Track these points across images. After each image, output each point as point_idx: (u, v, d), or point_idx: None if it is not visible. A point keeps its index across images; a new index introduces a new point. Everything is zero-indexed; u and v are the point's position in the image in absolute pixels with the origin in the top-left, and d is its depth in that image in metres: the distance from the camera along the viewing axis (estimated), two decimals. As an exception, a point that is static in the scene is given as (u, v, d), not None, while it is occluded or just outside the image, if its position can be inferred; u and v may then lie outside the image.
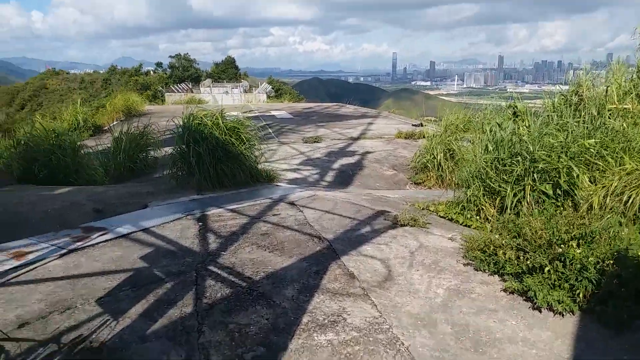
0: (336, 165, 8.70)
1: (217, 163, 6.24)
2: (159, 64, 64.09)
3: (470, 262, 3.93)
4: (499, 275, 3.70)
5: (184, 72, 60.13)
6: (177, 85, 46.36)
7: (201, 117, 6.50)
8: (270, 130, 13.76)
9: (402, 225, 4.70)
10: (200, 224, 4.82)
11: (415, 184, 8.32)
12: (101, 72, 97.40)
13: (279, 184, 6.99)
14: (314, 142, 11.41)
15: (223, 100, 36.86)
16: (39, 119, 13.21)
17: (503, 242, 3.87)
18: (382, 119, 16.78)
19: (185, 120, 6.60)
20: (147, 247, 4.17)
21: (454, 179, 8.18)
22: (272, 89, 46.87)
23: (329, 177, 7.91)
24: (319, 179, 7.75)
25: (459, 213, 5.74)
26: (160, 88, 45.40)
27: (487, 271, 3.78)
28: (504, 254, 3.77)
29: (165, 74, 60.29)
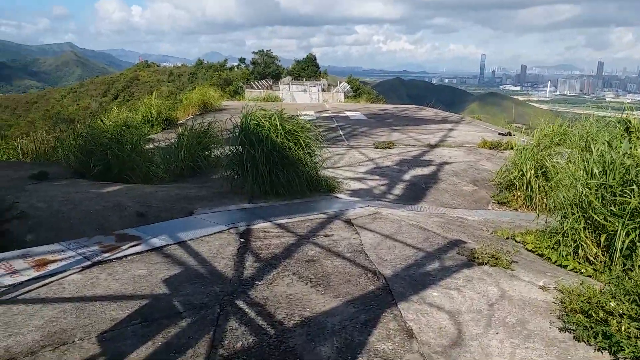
0: (407, 176, 7.83)
1: (272, 169, 5.66)
2: (242, 60, 65.96)
3: (569, 327, 2.98)
4: (610, 354, 2.73)
5: (266, 69, 61.32)
6: (258, 82, 47.12)
7: (258, 118, 5.94)
8: (340, 133, 13.10)
9: (480, 264, 3.81)
10: (241, 240, 4.23)
11: (498, 203, 7.25)
12: (189, 65, 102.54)
13: (339, 195, 6.27)
14: (386, 147, 10.57)
15: (300, 98, 36.82)
16: (116, 110, 13.57)
17: (617, 306, 2.90)
18: (465, 125, 15.51)
19: (242, 120, 6.08)
20: (176, 266, 3.64)
21: (545, 201, 7.06)
22: (351, 88, 46.23)
23: (398, 189, 7.07)
24: (386, 191, 6.94)
25: (551, 248, 4.72)
26: (241, 84, 46.40)
27: (592, 344, 2.83)
28: (619, 324, 2.80)
29: (248, 69, 61.85)
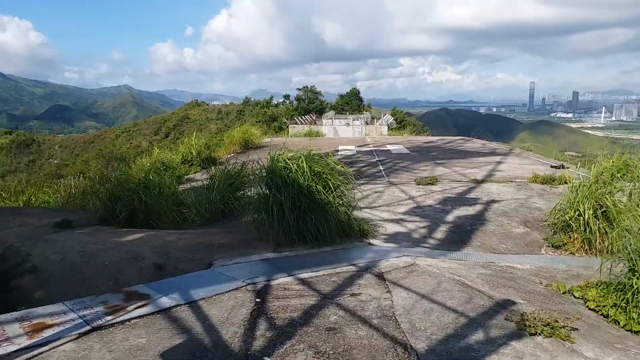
0: (450, 217, 7.20)
1: (299, 214, 5.25)
2: (286, 97, 67.33)
3: None
4: None
5: (310, 104, 62.21)
6: (301, 117, 47.71)
7: (285, 160, 5.59)
8: (380, 168, 12.60)
9: (532, 334, 3.17)
10: (257, 300, 3.79)
11: (553, 247, 6.48)
12: (236, 103, 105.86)
13: (373, 241, 5.75)
14: (428, 184, 9.97)
15: (342, 132, 36.73)
16: (157, 151, 13.73)
17: None
18: (514, 157, 14.64)
19: (269, 163, 5.76)
20: (179, 334, 3.24)
21: (607, 244, 6.26)
22: (395, 120, 45.87)
23: (440, 232, 6.46)
24: (426, 234, 6.35)
25: (618, 307, 3.99)
26: (285, 120, 47.06)
27: None
28: None
29: (292, 105, 62.97)
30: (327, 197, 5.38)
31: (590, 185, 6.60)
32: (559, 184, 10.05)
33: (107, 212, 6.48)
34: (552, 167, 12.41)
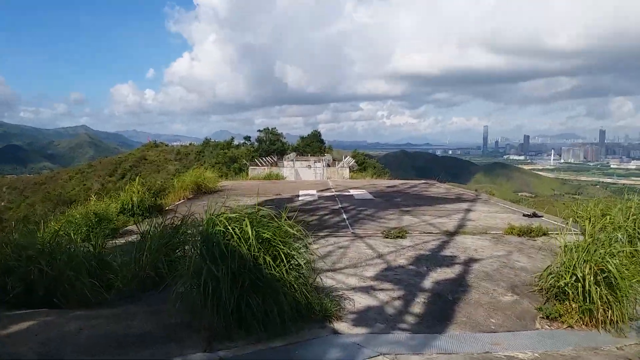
0: (428, 283, 6.11)
1: (241, 295, 4.01)
2: (247, 138, 66.36)
3: None
4: None
5: (271, 146, 61.35)
6: (262, 159, 46.56)
7: (225, 223, 4.36)
8: (344, 216, 11.52)
9: None
10: None
11: (548, 318, 5.46)
12: (196, 144, 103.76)
13: (338, 325, 4.55)
14: (397, 237, 8.93)
15: (304, 174, 35.79)
16: (94, 199, 12.17)
17: None
18: (482, 204, 13.91)
19: (205, 226, 4.51)
20: None
21: (610, 315, 5.34)
22: (356, 162, 45.42)
23: (418, 305, 5.33)
24: (403, 309, 5.20)
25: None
26: (245, 161, 45.80)
27: None
28: None
29: (253, 147, 61.93)
30: (279, 272, 4.16)
31: (588, 245, 5.70)
32: (537, 235, 9.26)
33: (-2, 288, 4.99)
34: (524, 215, 11.69)
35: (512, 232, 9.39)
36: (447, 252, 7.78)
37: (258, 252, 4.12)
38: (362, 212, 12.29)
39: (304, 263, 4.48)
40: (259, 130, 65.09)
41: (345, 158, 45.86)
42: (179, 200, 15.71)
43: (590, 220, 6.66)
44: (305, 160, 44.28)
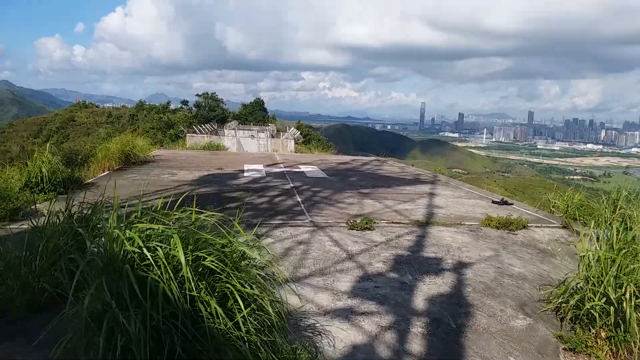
0: (420, 302, 4.79)
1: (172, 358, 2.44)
2: (184, 102, 62.52)
3: None
4: None
5: (210, 112, 58.10)
6: (202, 126, 43.66)
7: (141, 240, 2.68)
8: (298, 199, 10.04)
9: None
10: None
11: (571, 350, 4.34)
12: (130, 107, 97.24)
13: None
14: (365, 228, 7.60)
15: (247, 145, 33.74)
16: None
17: None
18: (444, 187, 12.90)
19: (108, 242, 2.80)
20: None
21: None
22: (301, 134, 43.79)
23: (417, 341, 4.00)
24: (399, 347, 3.84)
25: None
26: (182, 128, 42.77)
27: None
28: None
29: (191, 112, 58.36)
30: (231, 326, 2.57)
31: (619, 254, 4.58)
32: (517, 228, 8.26)
33: None
34: (493, 202, 10.76)
35: (489, 224, 8.34)
36: (428, 251, 6.52)
37: (197, 292, 2.52)
38: (317, 194, 10.85)
39: (270, 301, 2.91)
40: (198, 95, 61.41)
41: (289, 129, 44.02)
42: (103, 171, 13.52)
43: (603, 221, 5.57)
44: (248, 130, 42.05)
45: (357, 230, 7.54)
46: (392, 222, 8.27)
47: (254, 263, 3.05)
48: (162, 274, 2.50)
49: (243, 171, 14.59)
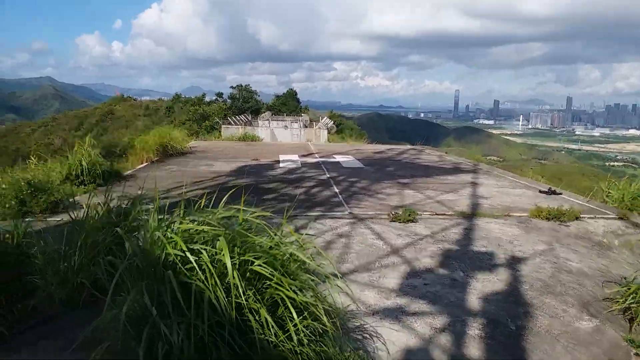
0: (474, 300, 4.47)
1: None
2: (219, 94, 62.91)
3: None
4: None
5: (245, 104, 58.34)
6: (236, 117, 43.83)
7: (184, 242, 2.47)
8: (335, 190, 9.78)
9: None
10: None
11: (645, 356, 3.94)
12: (166, 100, 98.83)
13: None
14: (408, 220, 7.28)
15: (281, 135, 33.68)
16: (34, 162, 10.03)
17: None
18: (487, 176, 12.38)
19: (148, 244, 2.61)
20: None
21: None
22: (334, 124, 43.41)
23: (475, 344, 3.70)
24: (456, 352, 3.56)
25: None
26: (218, 119, 43.06)
27: None
28: None
29: (226, 104, 58.74)
30: (285, 339, 2.35)
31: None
32: (569, 219, 7.76)
33: None
34: (540, 192, 10.21)
35: (539, 215, 7.87)
36: (477, 245, 6.16)
37: (245, 299, 2.30)
38: (355, 185, 10.56)
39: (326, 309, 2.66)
40: (232, 87, 61.71)
41: (322, 119, 43.69)
42: (141, 163, 13.63)
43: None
44: (281, 120, 41.97)
45: (400, 222, 7.23)
46: (436, 214, 7.91)
47: (305, 266, 2.81)
48: (207, 280, 2.29)
49: (278, 162, 14.44)
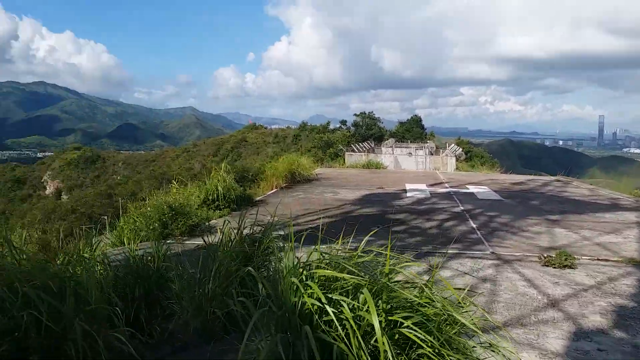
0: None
1: None
2: (343, 122, 64.33)
3: None
4: None
5: (368, 131, 58.78)
6: (359, 144, 44.21)
7: (321, 291, 2.11)
8: (472, 225, 8.92)
9: None
10: None
11: None
12: (293, 128, 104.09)
13: None
14: (564, 265, 6.22)
15: (405, 163, 32.97)
16: (175, 186, 10.71)
17: None
18: (657, 215, 10.46)
19: (283, 287, 2.29)
20: None
21: None
22: (463, 151, 41.48)
23: None
24: None
25: None
26: (341, 147, 43.81)
27: None
28: None
29: (349, 131, 59.77)
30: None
31: None
32: None
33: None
34: None
35: None
36: (664, 305, 4.95)
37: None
38: (494, 220, 9.57)
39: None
40: (356, 115, 62.68)
41: (449, 146, 42.03)
42: (271, 189, 14.02)
43: None
44: (405, 147, 41.30)
45: (554, 267, 6.21)
46: (598, 259, 6.71)
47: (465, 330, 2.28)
48: (347, 337, 1.89)
49: (405, 191, 13.86)
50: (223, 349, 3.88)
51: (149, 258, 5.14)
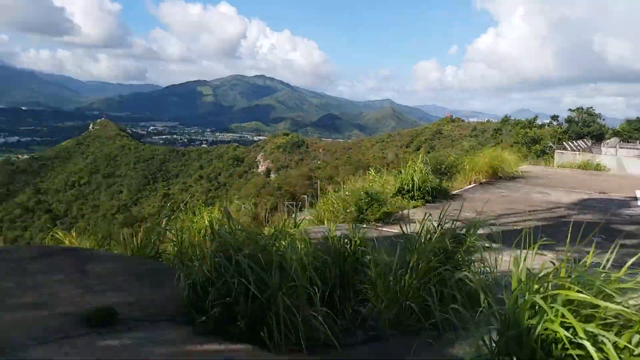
0: None
1: None
2: (554, 117, 57.52)
3: None
4: None
5: (584, 128, 51.43)
6: (573, 142, 38.95)
7: (559, 320, 1.61)
8: None
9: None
10: None
11: None
12: (494, 121, 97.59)
13: None
14: None
15: (633, 166, 27.88)
16: (372, 174, 10.80)
17: None
18: None
19: (510, 305, 1.85)
20: None
21: None
22: None
23: None
24: None
25: None
26: (551, 144, 39.25)
27: None
28: None
29: (561, 128, 53.24)
30: None
31: None
32: None
33: (195, 300, 3.47)
34: None
35: None
36: None
37: None
38: None
39: None
40: (570, 110, 55.36)
41: (696, 150, 34.02)
42: (469, 184, 13.21)
43: None
44: (633, 148, 34.95)
45: None
46: None
47: None
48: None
49: (636, 198, 11.59)
50: (415, 343, 3.61)
51: (346, 240, 5.15)
